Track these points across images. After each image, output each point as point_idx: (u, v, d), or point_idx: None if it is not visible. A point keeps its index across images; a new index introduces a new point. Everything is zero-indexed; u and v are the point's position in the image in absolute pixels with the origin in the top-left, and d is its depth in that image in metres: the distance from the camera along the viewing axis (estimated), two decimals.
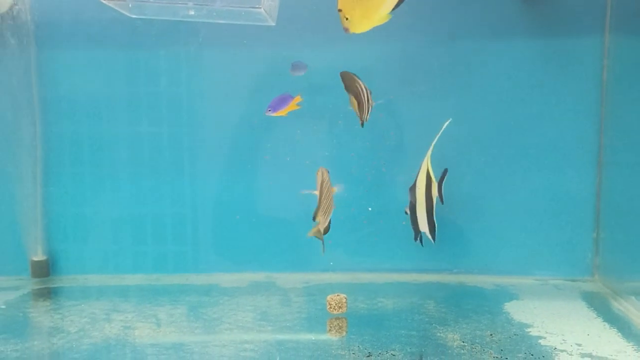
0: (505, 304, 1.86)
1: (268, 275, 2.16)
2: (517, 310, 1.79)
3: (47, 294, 2.04)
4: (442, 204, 1.91)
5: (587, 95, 2.02)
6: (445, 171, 1.90)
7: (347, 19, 1.58)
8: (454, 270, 2.13)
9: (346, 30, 1.60)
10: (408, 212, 1.93)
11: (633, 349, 1.50)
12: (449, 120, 1.88)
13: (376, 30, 2.06)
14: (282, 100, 1.84)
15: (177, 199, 2.17)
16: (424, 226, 1.92)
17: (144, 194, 2.17)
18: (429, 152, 1.89)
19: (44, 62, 2.12)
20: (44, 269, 2.19)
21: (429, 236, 1.93)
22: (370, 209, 2.11)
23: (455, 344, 1.55)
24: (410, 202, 1.91)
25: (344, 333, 1.65)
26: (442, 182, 1.90)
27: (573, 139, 2.04)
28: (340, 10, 1.58)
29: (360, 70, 2.01)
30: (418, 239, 1.95)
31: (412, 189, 1.91)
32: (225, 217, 2.17)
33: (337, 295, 1.78)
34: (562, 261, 2.08)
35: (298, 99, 1.86)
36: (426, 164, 1.90)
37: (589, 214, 2.05)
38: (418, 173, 1.90)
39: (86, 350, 1.54)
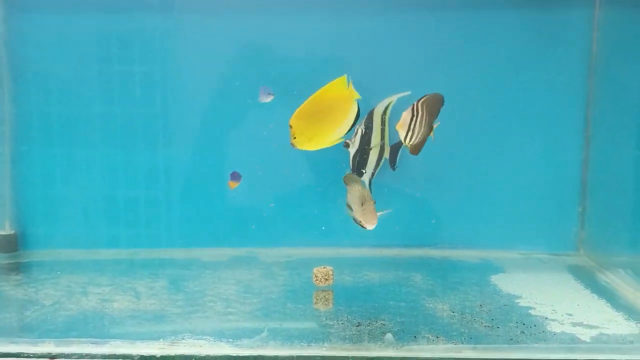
0: (492, 276, 1.84)
1: (249, 250, 2.10)
2: (505, 283, 1.77)
3: (18, 268, 1.94)
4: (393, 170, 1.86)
5: (576, 68, 1.99)
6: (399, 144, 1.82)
7: (294, 137, 1.56)
8: (438, 244, 2.10)
9: (292, 145, 1.58)
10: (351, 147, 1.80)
11: (623, 318, 1.50)
12: (408, 93, 1.82)
13: (364, 2, 2.04)
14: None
15: (153, 174, 2.09)
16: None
17: (118, 169, 2.08)
18: (379, 108, 1.80)
19: (13, 37, 2.01)
20: (12, 244, 2.09)
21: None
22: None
23: (445, 314, 1.52)
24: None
25: (331, 305, 1.61)
26: (395, 153, 1.84)
27: (560, 112, 2.03)
28: (290, 127, 1.56)
29: (347, 42, 1.98)
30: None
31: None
32: (203, 192, 2.10)
33: (324, 268, 1.73)
34: (548, 235, 2.07)
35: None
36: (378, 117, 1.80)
37: (575, 188, 2.04)
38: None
39: (62, 322, 1.47)
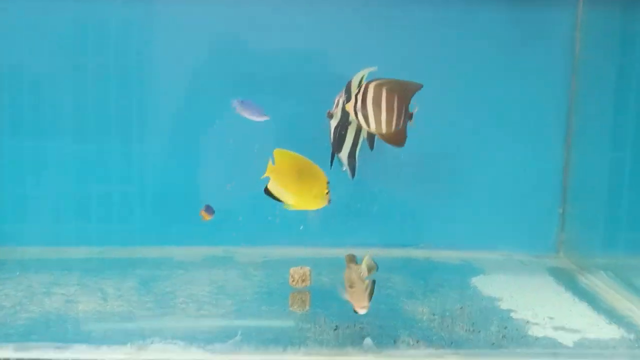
0: (473, 278, 1.81)
1: (225, 249, 2.03)
2: (485, 285, 1.74)
3: None
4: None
5: (558, 68, 1.97)
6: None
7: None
8: (419, 245, 2.06)
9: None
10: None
11: (605, 321, 1.48)
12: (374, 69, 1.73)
13: None
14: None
15: (125, 170, 2.01)
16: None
17: (90, 165, 2.00)
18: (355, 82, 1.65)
19: None
20: None
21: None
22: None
23: (425, 317, 1.48)
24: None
25: (308, 307, 1.56)
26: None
27: (542, 114, 2.00)
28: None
29: (326, 36, 1.93)
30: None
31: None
32: (177, 188, 2.03)
33: (301, 268, 1.68)
34: (528, 236, 2.05)
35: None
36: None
37: (555, 190, 2.02)
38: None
39: (22, 326, 1.39)
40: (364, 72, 1.69)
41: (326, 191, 1.46)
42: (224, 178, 2.01)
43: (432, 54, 1.96)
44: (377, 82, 1.47)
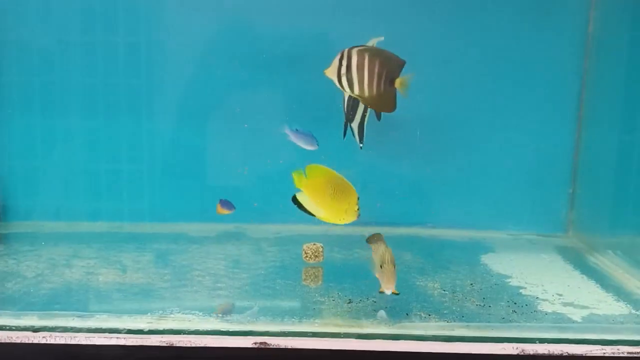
0: (482, 256, 1.83)
1: (237, 226, 2.06)
2: (495, 262, 1.77)
3: (0, 239, 1.89)
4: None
5: (571, 49, 1.97)
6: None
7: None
8: (427, 224, 2.09)
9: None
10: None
11: (613, 299, 1.50)
12: (381, 38, 1.70)
13: None
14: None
15: (136, 147, 2.04)
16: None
17: (100, 142, 2.03)
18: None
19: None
20: None
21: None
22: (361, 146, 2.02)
23: (436, 292, 1.51)
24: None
25: (321, 281, 1.59)
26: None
27: (553, 93, 2.01)
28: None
29: (337, 16, 1.93)
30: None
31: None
32: (187, 166, 2.06)
33: (314, 244, 1.71)
34: (537, 216, 2.06)
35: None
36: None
37: (566, 170, 2.04)
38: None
39: (45, 295, 1.43)
40: (373, 42, 1.69)
41: (356, 208, 1.50)
42: (234, 156, 2.04)
43: (444, 31, 1.96)
44: (360, 48, 1.49)
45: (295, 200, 1.54)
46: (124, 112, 2.01)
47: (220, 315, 1.33)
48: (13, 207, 2.05)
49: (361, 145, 1.74)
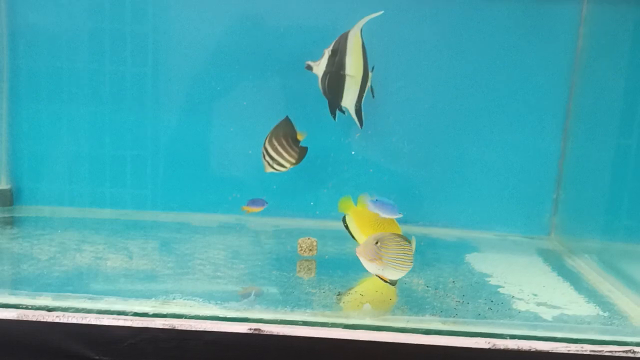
0: (467, 255, 1.94)
1: (238, 218, 2.17)
2: (478, 261, 1.88)
3: (13, 222, 2.01)
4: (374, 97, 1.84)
5: (560, 61, 2.06)
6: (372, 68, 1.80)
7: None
8: (418, 222, 2.20)
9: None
10: (313, 69, 1.76)
11: (584, 300, 1.61)
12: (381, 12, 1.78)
13: None
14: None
15: (142, 138, 2.14)
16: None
17: (104, 129, 2.13)
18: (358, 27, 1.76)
19: None
20: (8, 198, 2.15)
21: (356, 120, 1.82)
22: (353, 153, 2.13)
23: (420, 288, 1.63)
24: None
25: (314, 274, 1.70)
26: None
27: (542, 101, 2.10)
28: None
29: (336, 14, 2.02)
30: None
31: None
32: (191, 157, 2.16)
33: (308, 239, 1.82)
34: (522, 219, 2.17)
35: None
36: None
37: (551, 176, 2.14)
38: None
39: (58, 278, 1.54)
40: (363, 21, 1.77)
41: None
42: (238, 147, 2.14)
43: (437, 42, 2.06)
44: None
45: (344, 221, 1.71)
46: (129, 100, 2.11)
47: (241, 296, 1.46)
48: (24, 192, 2.16)
49: (361, 126, 1.82)
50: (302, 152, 1.76)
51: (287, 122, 1.75)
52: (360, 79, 1.78)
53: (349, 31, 1.77)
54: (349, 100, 1.81)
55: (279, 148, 1.74)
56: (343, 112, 1.81)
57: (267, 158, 1.74)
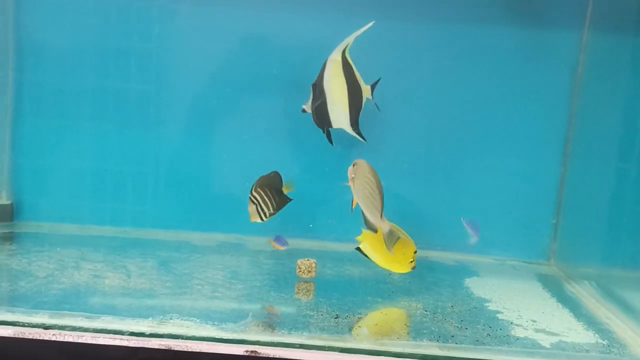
0: (466, 279, 1.94)
1: (237, 237, 2.18)
2: (477, 286, 1.87)
3: (12, 238, 2.01)
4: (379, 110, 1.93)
5: (560, 88, 2.09)
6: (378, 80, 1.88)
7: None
8: (418, 245, 2.19)
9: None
10: (307, 110, 1.87)
11: (583, 327, 1.61)
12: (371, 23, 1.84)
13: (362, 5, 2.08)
14: None
15: (145, 156, 2.16)
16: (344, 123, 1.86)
17: (107, 147, 2.15)
18: (341, 48, 1.83)
19: (6, 5, 2.06)
20: (8, 214, 2.15)
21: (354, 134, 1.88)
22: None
23: (418, 312, 1.62)
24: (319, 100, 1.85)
25: (312, 296, 1.70)
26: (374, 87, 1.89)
27: (542, 128, 2.12)
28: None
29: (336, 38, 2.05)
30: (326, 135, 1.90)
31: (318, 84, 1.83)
32: (192, 175, 2.18)
33: (307, 260, 1.82)
34: (522, 244, 2.17)
35: None
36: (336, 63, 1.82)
37: (550, 201, 2.15)
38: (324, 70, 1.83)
39: (55, 295, 1.54)
40: (348, 41, 1.81)
41: (410, 259, 1.76)
42: (239, 167, 2.15)
43: (438, 69, 2.09)
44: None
45: (359, 250, 1.79)
46: (131, 118, 2.14)
47: (267, 312, 1.50)
48: (25, 207, 2.17)
49: (364, 140, 1.89)
50: (282, 202, 1.88)
51: (275, 175, 1.87)
52: (346, 98, 1.83)
53: (327, 58, 1.84)
54: (343, 122, 1.86)
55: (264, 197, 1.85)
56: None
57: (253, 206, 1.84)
